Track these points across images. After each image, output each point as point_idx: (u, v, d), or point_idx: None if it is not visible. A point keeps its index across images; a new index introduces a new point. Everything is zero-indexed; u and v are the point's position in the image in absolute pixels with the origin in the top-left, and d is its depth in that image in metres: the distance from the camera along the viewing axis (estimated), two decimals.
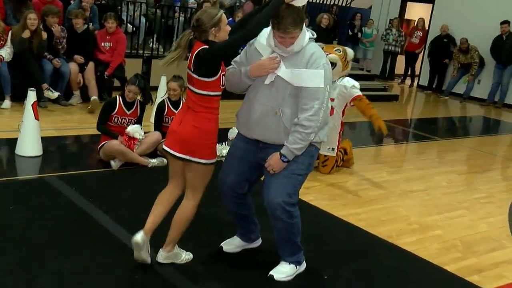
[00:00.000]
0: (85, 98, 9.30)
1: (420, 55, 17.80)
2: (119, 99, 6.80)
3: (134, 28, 11.38)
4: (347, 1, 18.08)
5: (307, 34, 4.22)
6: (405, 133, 11.73)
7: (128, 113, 6.86)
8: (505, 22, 15.36)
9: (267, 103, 4.22)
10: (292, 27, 4.00)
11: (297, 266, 4.62)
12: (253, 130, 4.35)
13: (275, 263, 4.57)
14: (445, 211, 6.79)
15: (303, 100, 4.11)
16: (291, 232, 4.43)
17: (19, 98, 6.86)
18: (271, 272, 4.54)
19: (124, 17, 11.19)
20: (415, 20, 17.99)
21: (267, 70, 4.15)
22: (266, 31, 4.23)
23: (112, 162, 6.65)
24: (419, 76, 18.12)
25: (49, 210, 5.30)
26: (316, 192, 6.80)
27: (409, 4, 18.53)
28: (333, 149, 7.37)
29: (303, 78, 4.11)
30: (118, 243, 4.79)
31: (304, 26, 4.16)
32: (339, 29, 16.55)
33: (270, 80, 4.17)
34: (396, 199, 7.02)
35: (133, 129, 6.72)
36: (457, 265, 5.31)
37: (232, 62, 4.46)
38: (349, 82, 7.22)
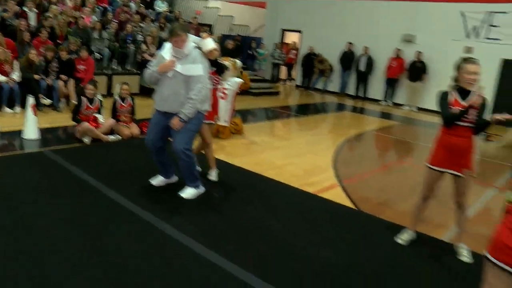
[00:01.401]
0: (68, 102, 9.37)
1: (295, 65, 18.21)
2: (84, 99, 7.10)
3: (101, 56, 11.53)
4: (246, 33, 18.64)
5: (191, 43, 4.62)
6: (284, 114, 11.97)
7: (92, 107, 7.17)
8: (350, 43, 16.15)
9: (171, 88, 4.59)
10: (181, 31, 4.46)
11: (197, 189, 4.97)
12: (163, 105, 4.67)
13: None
14: (298, 156, 7.38)
15: (191, 84, 4.54)
16: (190, 167, 4.80)
17: (26, 106, 6.99)
18: (179, 193, 4.91)
19: (94, 49, 11.34)
20: (290, 43, 18.45)
21: (169, 68, 4.54)
22: (167, 47, 4.66)
23: (84, 139, 6.86)
24: (295, 79, 18.56)
25: (45, 169, 5.47)
26: (218, 149, 6.99)
27: (286, 33, 19.06)
28: (226, 121, 7.36)
29: (190, 70, 4.53)
30: (97, 193, 4.94)
31: (188, 37, 4.56)
32: (242, 50, 17.01)
33: (172, 74, 4.56)
34: (269, 151, 7.47)
35: (98, 116, 7.18)
36: (299, 183, 5.89)
37: (148, 67, 4.74)
38: (236, 80, 7.47)
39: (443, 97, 4.00)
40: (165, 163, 5.11)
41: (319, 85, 17.22)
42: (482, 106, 3.88)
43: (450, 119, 3.91)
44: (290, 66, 18.30)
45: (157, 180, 5.22)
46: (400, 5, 15.34)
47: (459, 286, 3.75)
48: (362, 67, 15.88)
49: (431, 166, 4.14)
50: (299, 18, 17.84)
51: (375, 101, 15.94)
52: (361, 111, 14.13)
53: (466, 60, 3.91)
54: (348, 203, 5.40)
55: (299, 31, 18.18)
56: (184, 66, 4.55)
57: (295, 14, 17.97)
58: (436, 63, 14.37)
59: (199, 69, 4.58)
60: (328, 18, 16.91)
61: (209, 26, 17.18)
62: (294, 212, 4.89)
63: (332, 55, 16.59)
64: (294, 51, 17.96)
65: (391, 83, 15.43)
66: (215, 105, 5.51)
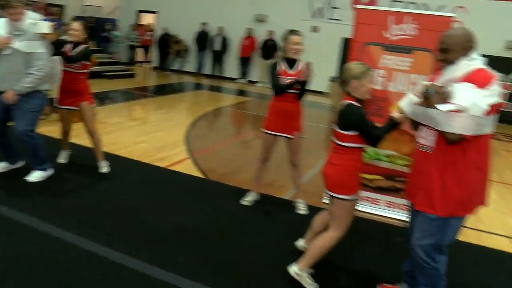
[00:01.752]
0: None
1: (151, 47, 17.81)
2: None
3: None
4: (100, 15, 17.90)
5: (30, 20, 4.31)
6: (140, 95, 11.76)
7: None
8: (204, 23, 16.33)
9: (9, 66, 4.29)
10: (16, 2, 4.17)
11: (45, 171, 4.77)
12: (1, 85, 4.39)
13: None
14: (149, 134, 7.41)
15: (32, 61, 4.30)
16: (34, 149, 4.57)
17: None
18: (26, 178, 4.62)
19: None
20: (146, 25, 18.11)
21: (4, 44, 4.21)
22: (2, 21, 4.31)
23: None
24: (152, 61, 18.21)
25: None
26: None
27: (142, 14, 18.66)
28: None
29: (30, 47, 4.28)
30: None
31: (25, 11, 4.28)
32: (95, 33, 16.31)
33: (9, 51, 4.25)
34: (122, 131, 7.37)
35: None
36: (150, 159, 5.97)
37: None
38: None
39: (273, 68, 4.36)
40: (8, 146, 4.80)
41: (176, 66, 17.21)
42: (306, 73, 4.27)
43: (280, 89, 4.26)
44: (146, 48, 17.96)
45: (1, 166, 4.89)
46: None
47: (294, 232, 4.15)
48: (217, 46, 16.21)
49: (266, 131, 4.50)
50: None
51: (232, 79, 16.40)
52: (218, 89, 14.47)
53: (291, 32, 4.30)
54: (198, 174, 5.59)
55: (154, 12, 17.87)
56: (22, 42, 4.30)
57: None
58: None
59: (39, 45, 4.36)
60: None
61: (60, 6, 16.12)
62: (146, 187, 4.95)
63: (188, 35, 16.67)
64: (150, 33, 17.66)
65: (245, 62, 15.98)
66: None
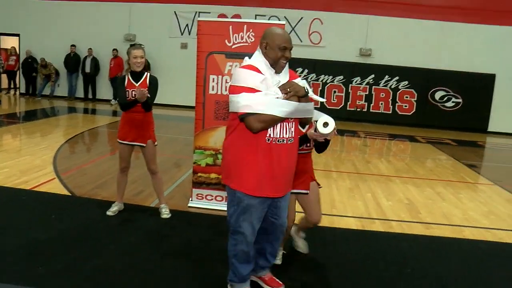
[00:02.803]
0: None
1: (18, 72, 17.03)
2: None
3: None
4: None
5: None
6: (7, 122, 10.89)
7: None
8: (73, 45, 15.90)
9: None
10: None
11: None
12: None
13: None
14: (17, 158, 7.12)
15: None
16: None
17: None
18: None
19: None
20: (9, 48, 17.18)
21: None
22: None
23: None
24: (19, 87, 17.35)
25: None
26: None
27: (2, 37, 17.70)
28: None
29: None
30: None
31: None
32: None
33: None
34: None
35: None
36: (13, 183, 5.78)
37: None
38: None
39: (120, 82, 4.61)
40: None
41: (46, 91, 16.52)
42: (151, 85, 4.57)
43: (124, 106, 4.56)
44: (11, 73, 17.07)
45: None
46: (116, 6, 15.82)
47: (156, 236, 4.35)
48: (88, 68, 15.91)
49: (120, 141, 4.69)
50: (16, 20, 16.63)
51: (106, 101, 16.14)
52: (92, 112, 14.19)
53: (132, 46, 4.58)
54: (65, 192, 5.58)
55: (17, 35, 17.02)
56: None
57: (10, 16, 16.72)
58: (158, 59, 15.38)
59: None
60: (48, 20, 16.28)
61: None
62: (10, 209, 4.87)
63: (56, 58, 16.10)
64: (14, 57, 16.80)
65: (115, 82, 15.80)
66: None
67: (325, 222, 5.07)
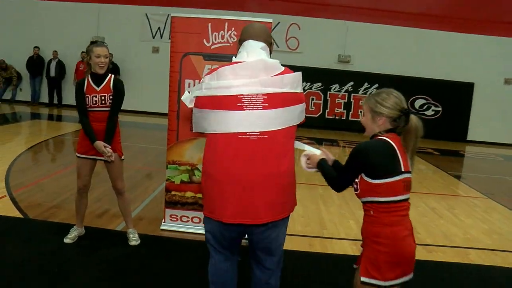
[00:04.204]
0: None
1: None
2: None
3: None
4: None
5: None
6: None
7: None
8: (36, 47, 14.96)
9: None
10: None
11: None
12: None
13: None
14: None
15: None
16: None
17: None
18: None
19: None
20: None
21: None
22: None
23: None
24: None
25: None
26: None
27: None
28: None
29: None
30: None
31: None
32: None
33: None
34: None
35: None
36: None
37: None
38: None
39: (78, 87, 3.89)
40: None
41: (7, 95, 15.44)
42: (116, 90, 3.83)
43: (81, 119, 3.89)
44: None
45: None
46: (84, 7, 14.97)
47: (124, 269, 3.63)
48: (53, 72, 14.95)
49: (79, 155, 3.96)
50: None
51: (72, 106, 15.17)
52: (57, 118, 13.27)
53: (93, 43, 3.85)
54: (17, 213, 4.79)
55: None
56: None
57: None
58: (129, 63, 14.60)
59: None
60: (8, 20, 15.28)
61: None
62: None
63: (18, 61, 15.05)
64: None
65: None
66: None
67: (317, 246, 4.46)
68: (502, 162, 11.86)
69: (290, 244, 4.35)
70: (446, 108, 14.35)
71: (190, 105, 2.58)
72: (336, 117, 14.39)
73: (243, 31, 2.62)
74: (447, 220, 5.79)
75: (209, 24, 4.22)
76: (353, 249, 4.51)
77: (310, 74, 14.19)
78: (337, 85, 14.38)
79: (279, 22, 14.37)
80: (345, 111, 14.41)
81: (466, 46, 14.18)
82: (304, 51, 14.44)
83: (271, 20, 4.18)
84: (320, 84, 14.35)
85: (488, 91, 14.35)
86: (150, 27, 15.03)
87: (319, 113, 14.44)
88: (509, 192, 7.94)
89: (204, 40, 4.21)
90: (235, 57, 2.56)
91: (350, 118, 14.39)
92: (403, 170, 2.27)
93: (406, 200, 2.33)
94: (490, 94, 14.38)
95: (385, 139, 2.30)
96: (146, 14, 14.89)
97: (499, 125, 14.46)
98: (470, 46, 14.17)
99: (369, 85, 14.29)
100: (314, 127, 13.76)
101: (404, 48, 14.19)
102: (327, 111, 14.44)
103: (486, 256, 4.70)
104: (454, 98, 14.28)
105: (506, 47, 14.27)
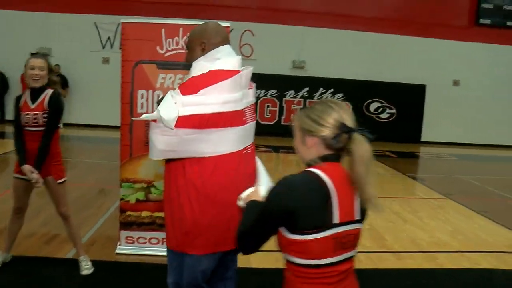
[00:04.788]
0: None
1: None
2: None
3: None
4: None
5: None
6: None
7: None
8: None
9: None
10: None
11: None
12: None
13: None
14: None
15: None
16: None
17: None
18: None
19: None
20: None
21: None
22: None
23: None
24: None
25: None
26: None
27: None
28: None
29: None
30: None
31: None
32: None
33: None
34: None
35: None
36: None
37: None
38: None
39: (15, 103, 3.54)
40: None
41: None
42: (51, 108, 3.45)
43: (15, 137, 3.49)
44: None
45: None
46: (29, 16, 14.28)
47: None
48: None
49: (14, 175, 3.61)
50: None
51: None
52: (0, 135, 12.54)
53: (31, 55, 3.49)
54: None
55: None
56: None
57: None
58: (78, 75, 14.05)
59: None
60: None
61: None
62: None
63: None
64: None
65: None
66: None
67: (281, 264, 4.21)
68: (456, 161, 12.08)
69: (255, 261, 4.11)
70: (400, 110, 14.54)
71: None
72: (292, 124, 14.27)
73: (212, 32, 2.37)
74: (413, 224, 5.72)
75: (163, 30, 3.94)
76: None
77: (265, 81, 14.04)
78: (292, 91, 14.29)
79: (232, 29, 14.04)
80: None
81: (418, 49, 14.43)
82: (258, 58, 14.25)
83: (228, 24, 3.94)
84: (275, 90, 14.22)
85: (439, 92, 14.66)
86: (100, 36, 14.51)
87: (275, 120, 14.30)
88: (466, 191, 8.02)
89: (158, 47, 3.92)
90: (205, 63, 2.28)
91: None
92: (336, 221, 1.58)
93: (339, 263, 1.62)
94: (440, 96, 14.70)
95: (315, 173, 1.60)
96: (95, 23, 14.37)
97: (450, 125, 14.79)
98: (422, 49, 14.43)
99: (324, 90, 14.29)
100: (270, 134, 13.60)
101: (358, 53, 14.28)
102: (283, 118, 14.32)
103: (454, 259, 4.64)
104: (408, 100, 14.50)
105: (454, 50, 14.65)
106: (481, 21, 14.96)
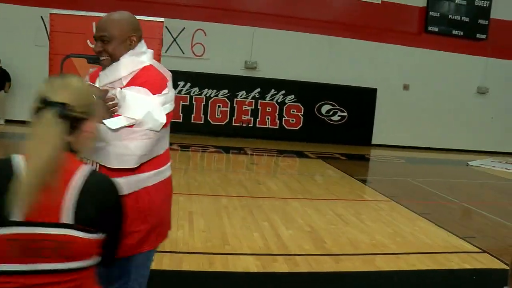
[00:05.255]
0: None
1: None
2: None
3: None
4: None
5: None
6: None
7: None
8: None
9: None
10: None
11: None
12: None
13: None
14: None
15: None
16: None
17: None
18: None
19: None
20: None
21: None
22: None
23: None
24: None
25: None
26: None
27: None
28: None
29: None
30: None
31: None
32: None
33: None
34: None
35: None
36: None
37: None
38: None
39: None
40: None
41: None
42: None
43: None
44: None
45: None
46: None
47: None
48: None
49: None
50: None
51: None
52: None
53: None
54: None
55: None
56: None
57: None
58: (20, 70, 13.49)
59: None
60: None
61: None
62: None
63: None
64: None
65: None
66: None
67: (217, 265, 4.14)
68: (405, 164, 12.35)
69: (188, 263, 4.02)
70: (352, 113, 14.74)
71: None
72: (244, 125, 14.24)
73: (136, 24, 2.24)
74: (354, 227, 5.75)
75: (93, 23, 3.77)
76: (257, 265, 4.25)
77: (216, 81, 13.95)
78: (244, 92, 14.24)
79: (184, 28, 13.99)
80: (252, 118, 14.31)
81: (370, 54, 14.69)
82: (210, 58, 14.15)
83: (162, 20, 3.83)
84: (226, 91, 14.12)
85: (389, 96, 14.97)
86: (46, 30, 13.99)
87: (226, 121, 14.17)
88: (411, 194, 8.19)
89: (88, 41, 3.76)
90: (137, 57, 2.16)
91: (257, 125, 14.31)
92: (16, 218, 1.27)
93: (19, 274, 1.30)
94: (391, 99, 15.01)
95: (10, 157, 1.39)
96: (41, 16, 13.83)
97: (400, 129, 15.13)
98: (373, 53, 14.71)
99: (276, 92, 14.31)
100: (221, 135, 13.53)
101: (311, 55, 14.39)
102: (234, 118, 14.24)
103: (391, 261, 4.67)
104: (359, 103, 14.72)
105: (405, 55, 15.01)
106: (430, 28, 15.39)
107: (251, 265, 4.25)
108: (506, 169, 11.84)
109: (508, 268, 1.51)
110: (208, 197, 6.57)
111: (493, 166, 12.34)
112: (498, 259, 4.93)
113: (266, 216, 5.86)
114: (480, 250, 5.18)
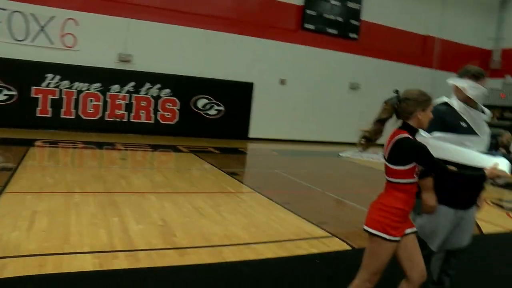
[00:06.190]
0: None
1: None
2: None
3: None
4: None
5: None
6: None
7: None
8: None
9: None
10: None
11: None
12: None
13: None
14: None
15: None
16: None
17: None
18: None
19: None
20: None
21: None
22: None
23: None
24: None
25: None
26: None
27: None
28: None
29: None
30: None
31: None
32: None
33: None
34: None
35: None
36: None
37: None
38: None
39: None
40: None
41: None
42: None
43: None
44: None
45: None
46: None
47: None
48: None
49: None
50: None
51: None
52: None
53: None
54: None
55: None
56: None
57: None
58: None
59: None
60: None
61: None
62: None
63: None
64: None
65: None
66: None
67: (48, 267, 3.84)
68: (277, 157, 12.66)
69: (13, 269, 3.67)
70: (229, 107, 14.84)
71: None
72: (117, 119, 13.70)
73: None
74: (209, 219, 5.69)
75: None
76: (94, 263, 4.00)
77: (88, 74, 13.28)
78: (117, 85, 13.70)
79: (53, 16, 13.11)
80: (126, 112, 13.81)
81: (247, 48, 14.92)
82: (81, 49, 13.41)
83: None
84: (99, 84, 13.49)
85: (266, 91, 15.29)
86: None
87: (98, 116, 13.53)
88: (276, 185, 8.37)
89: None
90: None
91: (131, 120, 13.85)
92: None
93: None
94: (268, 94, 15.34)
95: None
96: None
97: (276, 122, 15.53)
98: (251, 48, 14.95)
99: (151, 86, 13.97)
100: (93, 130, 12.92)
101: (187, 48, 14.24)
102: (106, 113, 13.64)
103: (239, 251, 4.66)
104: (236, 98, 14.86)
105: (282, 50, 15.44)
106: (306, 26, 15.98)
107: (87, 264, 3.99)
108: (372, 158, 12.60)
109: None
110: (60, 195, 6.16)
111: (361, 156, 13.07)
112: (345, 241, 5.17)
113: (119, 211, 5.60)
114: (329, 235, 5.39)
